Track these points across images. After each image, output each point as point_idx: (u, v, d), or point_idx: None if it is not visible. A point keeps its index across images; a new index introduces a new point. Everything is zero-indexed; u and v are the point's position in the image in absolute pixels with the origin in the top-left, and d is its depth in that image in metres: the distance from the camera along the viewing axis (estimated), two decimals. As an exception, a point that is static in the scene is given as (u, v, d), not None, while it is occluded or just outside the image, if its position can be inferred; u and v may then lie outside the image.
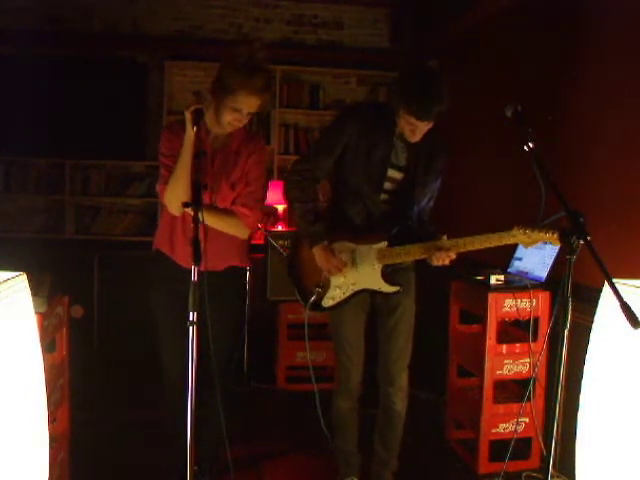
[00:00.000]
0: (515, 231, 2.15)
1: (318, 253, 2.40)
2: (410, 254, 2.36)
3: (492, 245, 2.24)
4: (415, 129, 2.28)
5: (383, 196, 2.44)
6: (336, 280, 2.45)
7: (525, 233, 2.13)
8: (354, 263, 2.43)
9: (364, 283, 2.44)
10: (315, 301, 2.47)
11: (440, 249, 2.26)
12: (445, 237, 2.30)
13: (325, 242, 2.40)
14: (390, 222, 2.42)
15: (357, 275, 2.44)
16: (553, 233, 2.10)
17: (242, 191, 2.38)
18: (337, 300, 2.47)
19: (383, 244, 2.39)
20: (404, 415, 2.60)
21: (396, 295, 2.47)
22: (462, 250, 2.27)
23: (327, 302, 2.47)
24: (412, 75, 2.29)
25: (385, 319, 2.55)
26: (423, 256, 2.33)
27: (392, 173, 2.43)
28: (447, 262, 2.28)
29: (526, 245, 2.18)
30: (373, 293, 2.48)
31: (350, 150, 2.39)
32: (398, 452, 2.66)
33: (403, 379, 2.56)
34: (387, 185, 2.43)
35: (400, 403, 2.57)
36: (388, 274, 2.43)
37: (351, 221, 2.46)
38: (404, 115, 2.25)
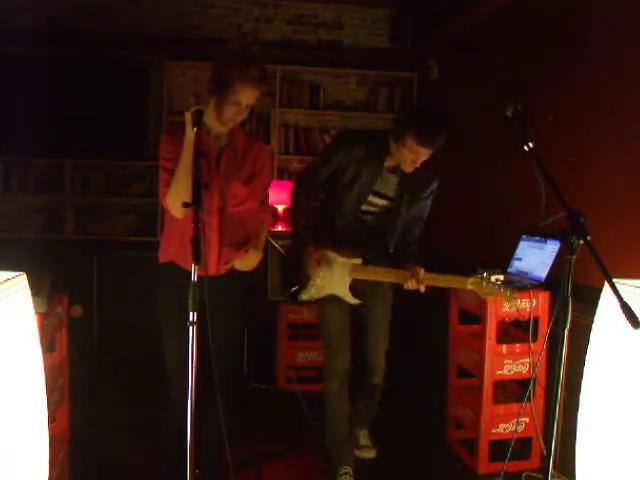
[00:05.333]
0: (475, 280, 2.44)
1: (304, 255, 2.75)
2: (377, 275, 2.67)
3: (453, 286, 2.59)
4: (417, 158, 2.54)
5: (365, 217, 2.77)
6: (313, 281, 2.78)
7: (483, 285, 2.43)
8: (330, 271, 2.74)
9: (332, 289, 2.76)
10: (294, 292, 2.83)
11: (411, 277, 2.53)
12: (421, 270, 2.53)
13: (312, 247, 2.72)
14: (372, 240, 2.75)
15: (329, 281, 2.76)
16: (506, 290, 2.41)
17: (258, 197, 2.44)
18: (309, 297, 2.81)
19: (358, 260, 2.70)
20: (381, 386, 2.95)
21: (373, 293, 2.81)
22: (429, 284, 2.54)
23: (301, 296, 2.83)
24: (425, 109, 2.82)
25: (365, 314, 2.88)
26: (389, 280, 2.65)
27: (375, 200, 2.74)
28: (417, 289, 2.54)
29: (482, 294, 2.46)
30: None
31: (340, 171, 2.71)
32: (376, 408, 3.04)
33: (383, 361, 2.91)
34: (370, 208, 2.76)
35: (378, 379, 2.92)
36: (356, 287, 2.72)
37: (338, 232, 2.77)
38: (411, 144, 2.49)
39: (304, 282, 2.78)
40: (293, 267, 2.83)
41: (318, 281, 2.76)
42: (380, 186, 2.71)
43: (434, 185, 2.77)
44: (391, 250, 2.81)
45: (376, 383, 2.92)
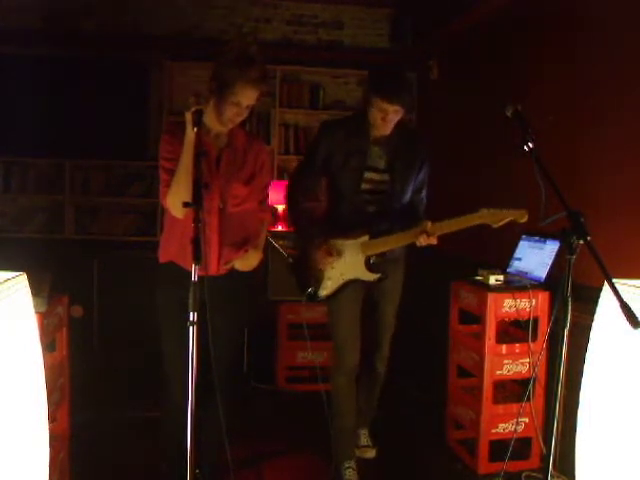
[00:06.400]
0: (482, 212, 2.43)
1: (313, 250, 2.75)
2: (388, 243, 2.66)
3: (463, 226, 2.47)
4: (386, 117, 2.55)
5: (366, 196, 2.72)
6: (328, 273, 2.75)
7: (490, 212, 2.41)
8: (342, 257, 2.73)
9: (350, 273, 2.74)
10: (312, 292, 2.79)
11: (421, 233, 2.52)
12: (428, 223, 2.53)
13: (319, 240, 2.71)
14: (376, 217, 2.72)
15: (345, 267, 2.74)
16: (515, 210, 2.37)
17: (258, 196, 2.44)
18: (329, 291, 2.76)
19: (365, 238, 2.69)
20: (384, 375, 2.99)
21: (385, 283, 2.77)
22: (439, 233, 2.52)
23: (322, 292, 2.78)
24: (382, 68, 2.71)
25: (376, 302, 2.89)
26: (401, 243, 2.66)
27: (371, 175, 2.71)
28: (429, 243, 2.52)
29: (494, 223, 2.40)
30: (363, 282, 2.75)
31: (330, 161, 2.72)
32: (376, 405, 3.08)
33: (387, 348, 2.94)
34: (368, 186, 2.71)
35: (381, 367, 2.96)
36: (372, 264, 2.72)
37: (344, 220, 2.75)
38: (376, 102, 2.53)
39: (319, 278, 2.76)
40: (304, 268, 2.81)
41: (333, 272, 2.74)
42: (372, 160, 2.70)
43: (423, 153, 2.76)
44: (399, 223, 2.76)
45: (379, 371, 2.94)
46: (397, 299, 2.93)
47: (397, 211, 2.74)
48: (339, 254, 2.72)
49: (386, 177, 2.71)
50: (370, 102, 2.56)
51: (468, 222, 2.45)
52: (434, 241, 2.51)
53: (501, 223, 2.40)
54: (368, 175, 2.70)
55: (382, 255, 2.71)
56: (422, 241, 2.52)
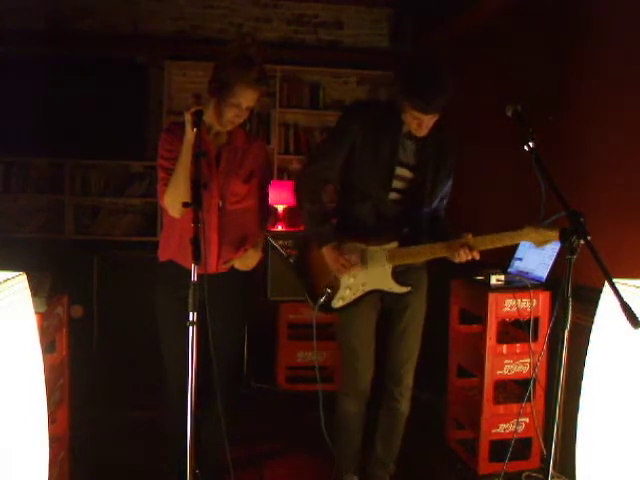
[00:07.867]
0: (527, 230, 2.10)
1: (327, 253, 2.40)
2: (422, 254, 2.34)
3: (507, 243, 2.20)
4: (422, 123, 2.27)
5: (393, 195, 2.41)
6: (346, 281, 2.44)
7: (537, 232, 2.07)
8: (364, 264, 2.41)
9: (374, 284, 2.43)
10: (325, 302, 2.45)
11: (463, 246, 2.23)
12: (469, 236, 2.25)
13: (334, 242, 2.40)
14: (401, 222, 2.40)
15: (367, 276, 2.42)
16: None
17: (257, 195, 2.45)
18: (347, 301, 2.45)
19: (394, 244, 2.37)
20: (407, 415, 2.62)
21: (407, 295, 2.47)
22: (482, 248, 2.24)
23: (337, 303, 2.46)
24: (413, 69, 2.27)
25: (396, 319, 2.55)
26: (436, 256, 2.31)
27: (401, 171, 2.40)
28: (471, 257, 2.24)
29: (538, 244, 2.12)
30: (384, 293, 2.46)
31: (357, 149, 2.38)
32: (397, 455, 2.67)
33: (409, 379, 2.57)
34: (397, 184, 2.40)
35: (405, 403, 2.58)
36: (399, 274, 2.42)
37: (362, 222, 2.44)
38: (410, 110, 2.24)
39: (335, 287, 2.44)
40: (313, 273, 2.52)
41: (352, 280, 2.42)
42: (403, 155, 2.39)
43: (453, 160, 2.47)
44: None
45: (401, 410, 2.57)
46: (422, 316, 2.58)
47: (424, 217, 2.45)
48: (361, 261, 2.40)
49: (417, 176, 2.41)
50: (402, 107, 2.27)
51: (512, 239, 2.18)
52: (477, 255, 2.22)
53: (545, 245, 2.11)
54: (399, 171, 2.39)
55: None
56: (463, 256, 2.21)
